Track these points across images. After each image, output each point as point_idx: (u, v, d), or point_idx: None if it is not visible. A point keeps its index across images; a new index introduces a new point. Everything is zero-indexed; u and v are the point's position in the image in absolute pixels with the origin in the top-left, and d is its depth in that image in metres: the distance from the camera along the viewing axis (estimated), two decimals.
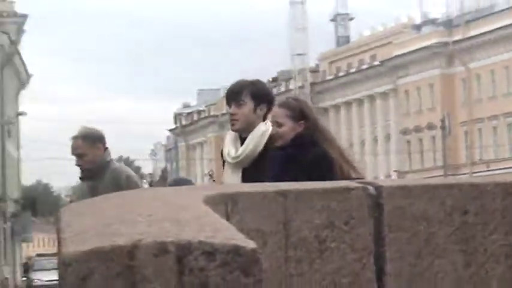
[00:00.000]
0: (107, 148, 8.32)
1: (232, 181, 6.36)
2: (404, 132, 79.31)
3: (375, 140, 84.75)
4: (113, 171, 8.22)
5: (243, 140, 6.48)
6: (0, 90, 63.02)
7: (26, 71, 73.25)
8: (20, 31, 67.49)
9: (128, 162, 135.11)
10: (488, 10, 72.28)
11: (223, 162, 6.68)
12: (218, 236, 2.55)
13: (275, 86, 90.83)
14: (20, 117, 71.41)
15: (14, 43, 65.71)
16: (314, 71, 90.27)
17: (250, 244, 2.54)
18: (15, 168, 68.27)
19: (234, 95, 6.52)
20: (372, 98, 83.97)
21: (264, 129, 6.44)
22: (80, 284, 2.45)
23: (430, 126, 74.58)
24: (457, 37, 73.34)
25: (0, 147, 65.15)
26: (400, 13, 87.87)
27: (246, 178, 6.30)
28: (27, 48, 75.26)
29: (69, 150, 8.13)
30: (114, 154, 8.55)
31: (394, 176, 74.59)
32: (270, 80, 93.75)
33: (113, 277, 2.46)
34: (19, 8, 67.45)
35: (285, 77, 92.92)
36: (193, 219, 2.75)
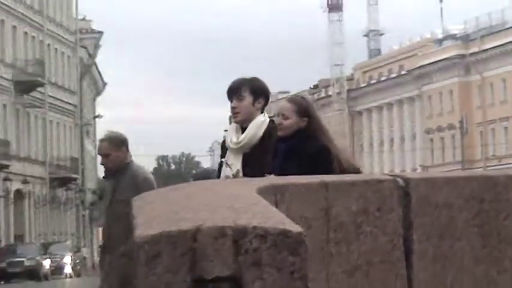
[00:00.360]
0: (128, 151, 8.12)
1: (234, 165, 6.24)
2: (428, 131, 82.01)
3: (402, 138, 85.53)
4: (132, 172, 7.96)
5: (243, 130, 6.31)
6: (79, 96, 64.18)
7: (102, 79, 74.62)
8: (96, 46, 68.74)
9: (189, 158, 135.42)
10: (500, 26, 74.05)
11: (223, 152, 6.49)
12: (269, 221, 2.51)
13: (316, 92, 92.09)
14: (97, 119, 72.55)
15: (92, 56, 67.02)
16: (350, 79, 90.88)
17: (297, 228, 2.49)
18: (93, 163, 69.56)
19: (235, 90, 6.38)
20: (399, 102, 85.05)
21: (262, 120, 6.32)
22: (150, 263, 2.42)
23: (450, 127, 78.22)
24: (473, 50, 75.40)
25: (80, 145, 66.20)
26: (424, 29, 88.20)
27: (245, 162, 6.21)
28: (103, 60, 77.37)
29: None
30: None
31: (419, 169, 75.71)
32: (312, 87, 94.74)
33: (177, 257, 2.43)
34: (96, 26, 68.85)
35: (324, 84, 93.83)
36: (248, 207, 2.71)
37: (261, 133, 6.23)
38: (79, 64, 63.33)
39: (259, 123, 6.27)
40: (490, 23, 74.33)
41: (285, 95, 56.17)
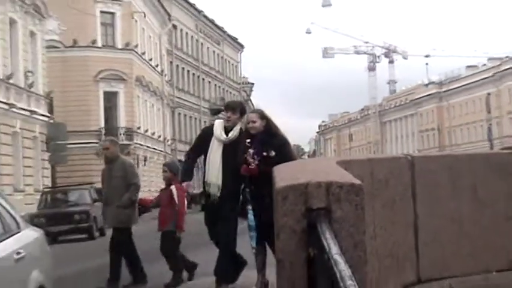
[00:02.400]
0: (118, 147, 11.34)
1: (217, 151, 8.31)
2: (421, 131, 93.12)
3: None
4: (121, 160, 10.75)
5: (225, 129, 8.34)
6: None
7: (253, 105, 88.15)
8: (251, 89, 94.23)
9: (297, 146, 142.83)
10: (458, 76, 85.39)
11: (203, 138, 8.63)
12: (343, 178, 3.59)
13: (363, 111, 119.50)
14: None
15: (248, 95, 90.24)
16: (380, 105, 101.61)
17: (358, 181, 3.52)
18: None
19: (233, 108, 8.56)
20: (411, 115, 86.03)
21: (240, 126, 8.39)
22: (283, 200, 3.38)
23: (433, 129, 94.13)
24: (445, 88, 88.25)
25: None
26: (417, 79, 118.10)
27: (225, 151, 8.23)
28: (254, 96, 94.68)
29: None
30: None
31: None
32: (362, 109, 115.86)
33: (297, 197, 3.40)
34: (250, 79, 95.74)
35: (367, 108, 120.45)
36: (332, 171, 3.86)
37: (237, 134, 8.29)
38: (241, 99, 78.50)
39: (237, 129, 8.35)
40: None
41: (347, 114, 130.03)
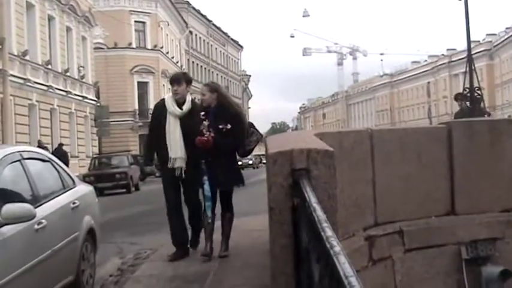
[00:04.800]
0: None
1: (175, 126, 6.59)
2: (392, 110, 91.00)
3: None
4: None
5: (177, 102, 6.64)
6: (242, 100, 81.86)
7: (250, 93, 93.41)
8: (248, 80, 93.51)
9: (282, 123, 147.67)
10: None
11: (157, 116, 6.71)
12: (320, 146, 3.55)
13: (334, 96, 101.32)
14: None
15: (246, 84, 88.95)
16: (346, 91, 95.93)
17: (330, 148, 3.49)
18: None
19: (177, 80, 6.75)
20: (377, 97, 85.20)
21: (190, 98, 6.75)
22: (273, 163, 3.32)
23: (385, 110, 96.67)
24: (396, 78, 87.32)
25: None
26: (371, 72, 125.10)
27: (182, 124, 6.56)
28: (250, 86, 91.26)
29: None
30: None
31: None
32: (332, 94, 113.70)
33: (285, 161, 3.35)
34: (248, 72, 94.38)
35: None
36: (311, 141, 3.84)
37: (190, 106, 6.66)
38: (241, 87, 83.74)
39: (189, 101, 6.70)
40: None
41: (321, 99, 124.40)
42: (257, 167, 55.30)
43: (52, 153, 9.66)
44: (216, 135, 6.28)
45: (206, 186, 6.36)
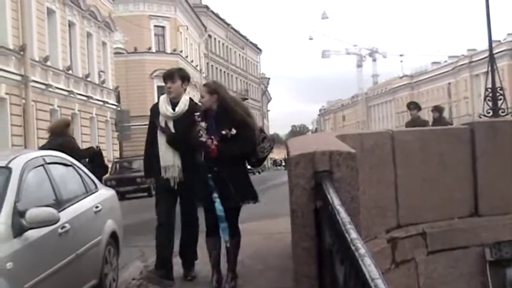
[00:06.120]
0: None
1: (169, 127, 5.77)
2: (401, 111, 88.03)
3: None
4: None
5: (172, 102, 5.82)
6: (261, 103, 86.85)
7: (269, 96, 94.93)
8: (268, 83, 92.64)
9: (302, 126, 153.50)
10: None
11: (154, 114, 5.92)
12: (342, 148, 3.49)
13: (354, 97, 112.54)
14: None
15: (266, 87, 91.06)
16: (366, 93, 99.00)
17: (353, 150, 3.45)
18: None
19: (169, 76, 5.87)
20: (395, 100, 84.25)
21: (187, 98, 5.88)
22: (296, 165, 3.27)
23: (405, 110, 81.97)
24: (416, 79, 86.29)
25: None
26: (394, 74, 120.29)
27: (176, 126, 5.73)
28: (270, 88, 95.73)
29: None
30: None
31: None
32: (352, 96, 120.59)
33: (307, 163, 3.32)
34: (267, 75, 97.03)
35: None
36: (333, 143, 3.77)
37: (187, 106, 5.80)
38: (261, 90, 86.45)
39: (185, 101, 5.83)
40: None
41: (340, 100, 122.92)
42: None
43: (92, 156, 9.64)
44: (219, 142, 5.35)
45: (218, 205, 5.32)
